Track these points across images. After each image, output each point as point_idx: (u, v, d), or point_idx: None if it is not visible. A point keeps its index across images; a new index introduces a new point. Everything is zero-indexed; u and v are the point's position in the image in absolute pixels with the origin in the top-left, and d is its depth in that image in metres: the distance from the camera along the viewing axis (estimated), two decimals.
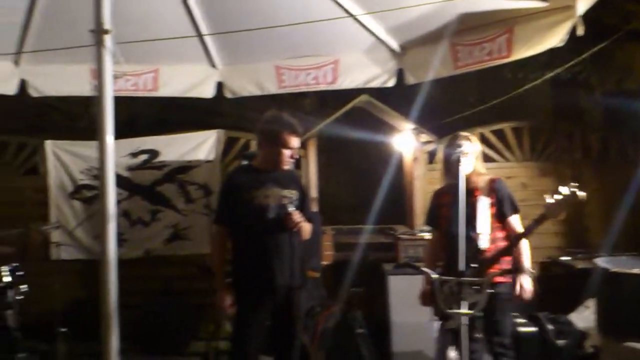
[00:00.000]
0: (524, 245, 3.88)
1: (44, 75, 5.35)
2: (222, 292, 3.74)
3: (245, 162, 5.24)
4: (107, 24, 3.35)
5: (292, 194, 3.81)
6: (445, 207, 4.01)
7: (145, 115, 9.07)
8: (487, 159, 6.67)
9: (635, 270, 4.06)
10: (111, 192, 3.36)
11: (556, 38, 3.86)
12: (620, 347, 4.06)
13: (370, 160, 8.53)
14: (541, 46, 4.02)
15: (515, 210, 4.01)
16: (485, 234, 3.80)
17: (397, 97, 6.66)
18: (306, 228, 3.82)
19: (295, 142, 3.78)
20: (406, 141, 6.62)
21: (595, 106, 7.19)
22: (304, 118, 8.59)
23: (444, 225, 4.02)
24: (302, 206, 3.86)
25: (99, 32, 3.34)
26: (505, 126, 6.70)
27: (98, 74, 3.33)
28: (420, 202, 6.51)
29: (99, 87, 3.32)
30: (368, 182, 6.79)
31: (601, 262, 4.46)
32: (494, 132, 6.70)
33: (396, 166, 6.86)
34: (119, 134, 6.64)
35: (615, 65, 6.48)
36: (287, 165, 3.85)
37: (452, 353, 4.66)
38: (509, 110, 6.68)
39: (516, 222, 3.98)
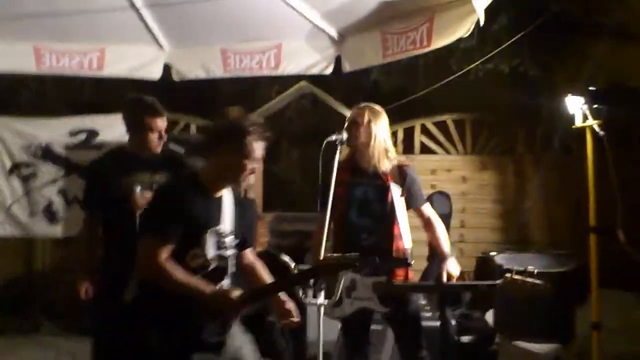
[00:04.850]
0: (439, 230, 3.55)
1: None
2: (82, 281, 3.69)
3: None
4: None
5: (165, 177, 3.61)
6: (341, 186, 3.46)
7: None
8: (428, 150, 6.66)
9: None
10: None
11: (464, 29, 3.85)
12: (513, 346, 4.10)
13: None
14: (453, 36, 4.00)
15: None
16: (405, 227, 3.53)
17: (348, 83, 6.66)
18: None
19: (159, 123, 3.60)
20: None
21: (542, 101, 7.20)
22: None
23: (339, 209, 3.48)
24: None
25: None
26: (447, 118, 6.64)
27: None
28: None
29: None
30: None
31: (499, 258, 4.47)
32: (437, 124, 6.66)
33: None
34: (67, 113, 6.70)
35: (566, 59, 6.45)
36: (157, 148, 3.66)
37: None
38: (454, 103, 6.65)
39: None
